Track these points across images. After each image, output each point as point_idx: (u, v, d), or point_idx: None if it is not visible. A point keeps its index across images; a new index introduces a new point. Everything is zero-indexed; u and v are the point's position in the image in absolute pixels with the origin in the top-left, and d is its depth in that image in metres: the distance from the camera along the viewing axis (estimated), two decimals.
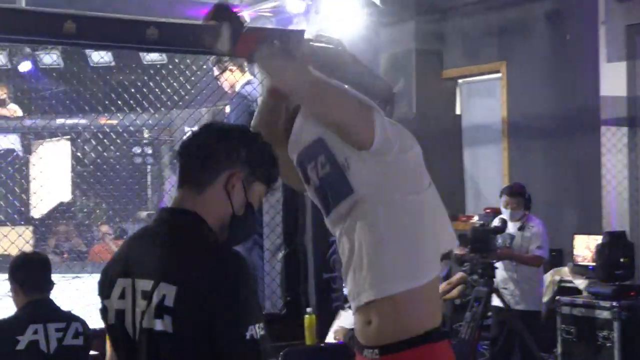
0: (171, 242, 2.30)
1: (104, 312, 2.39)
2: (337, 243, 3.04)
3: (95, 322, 6.53)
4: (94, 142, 12.42)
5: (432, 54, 11.18)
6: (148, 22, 5.53)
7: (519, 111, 10.31)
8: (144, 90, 10.91)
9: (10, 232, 11.12)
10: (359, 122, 2.84)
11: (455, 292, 8.50)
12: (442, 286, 8.65)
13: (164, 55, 10.74)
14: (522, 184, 7.85)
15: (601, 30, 9.19)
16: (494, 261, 7.14)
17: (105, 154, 12.26)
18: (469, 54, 10.92)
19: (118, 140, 11.93)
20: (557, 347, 7.57)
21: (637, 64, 9.02)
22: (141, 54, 11.10)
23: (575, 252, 8.73)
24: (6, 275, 4.38)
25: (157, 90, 10.90)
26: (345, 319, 5.79)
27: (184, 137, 2.48)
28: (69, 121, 12.41)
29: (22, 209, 13.07)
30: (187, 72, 9.78)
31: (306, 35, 6.57)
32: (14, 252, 11.58)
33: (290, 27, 9.50)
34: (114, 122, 11.65)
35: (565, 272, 8.70)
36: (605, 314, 7.10)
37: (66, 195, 13.59)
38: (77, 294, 6.90)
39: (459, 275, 8.50)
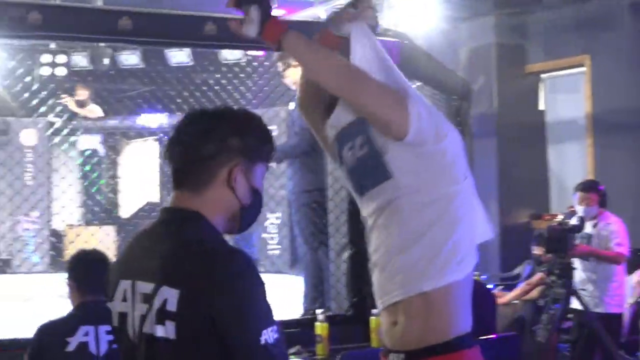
0: (172, 242, 2.16)
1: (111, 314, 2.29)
2: (367, 237, 2.89)
3: None
4: None
5: (514, 49, 10.93)
6: (206, 17, 5.46)
7: (604, 106, 10.01)
8: (223, 89, 10.95)
9: (92, 230, 11.33)
10: (392, 113, 2.69)
11: (535, 292, 8.30)
12: (522, 287, 8.48)
13: (239, 53, 10.74)
14: (596, 180, 7.57)
15: None
16: (572, 261, 6.88)
17: None
18: (552, 48, 10.65)
19: None
20: None
21: None
22: (219, 54, 11.14)
23: None
24: None
25: (239, 89, 10.94)
26: None
27: (168, 138, 2.31)
28: (154, 121, 12.51)
29: (107, 208, 13.25)
30: (260, 69, 9.84)
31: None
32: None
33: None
34: None
35: None
36: None
37: (154, 195, 13.71)
38: None
39: (538, 275, 8.30)
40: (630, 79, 9.60)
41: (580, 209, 7.09)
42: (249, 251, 11.78)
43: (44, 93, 11.28)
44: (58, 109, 11.67)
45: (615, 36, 9.81)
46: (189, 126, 2.25)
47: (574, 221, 6.94)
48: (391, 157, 2.72)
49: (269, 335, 2.04)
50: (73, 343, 4.05)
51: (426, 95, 8.38)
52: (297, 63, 6.48)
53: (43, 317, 4.26)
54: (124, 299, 2.21)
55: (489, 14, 10.79)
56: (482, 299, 4.92)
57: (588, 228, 7.08)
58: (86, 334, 4.07)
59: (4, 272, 11.08)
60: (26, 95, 11.14)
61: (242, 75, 11.05)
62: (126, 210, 13.78)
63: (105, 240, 11.47)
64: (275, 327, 2.07)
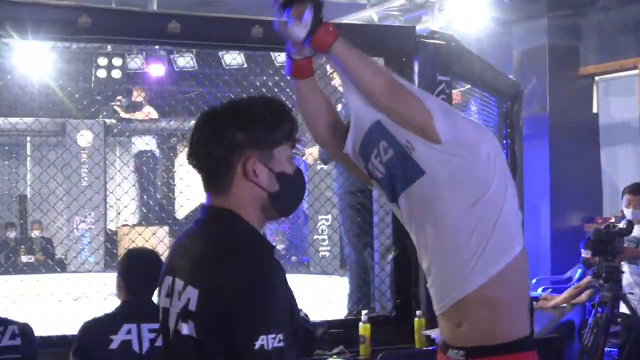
0: (201, 242, 2.19)
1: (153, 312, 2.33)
2: (414, 242, 2.92)
3: None
4: None
5: (567, 51, 10.85)
6: (253, 20, 5.52)
7: None
8: (275, 91, 10.99)
9: (145, 231, 11.46)
10: (426, 119, 2.72)
11: (584, 296, 8.22)
12: (570, 290, 8.40)
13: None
14: None
15: None
16: (620, 265, 6.80)
17: None
18: (606, 50, 10.55)
19: None
20: None
21: None
22: (272, 56, 11.22)
23: None
24: None
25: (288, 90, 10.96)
26: None
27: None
28: None
29: (162, 209, 13.39)
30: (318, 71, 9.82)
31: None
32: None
33: (419, 26, 9.41)
34: None
35: None
36: None
37: None
38: None
39: (587, 279, 8.21)
40: None
41: (628, 212, 7.00)
42: (301, 254, 11.98)
43: (99, 95, 11.45)
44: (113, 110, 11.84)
45: None
46: (198, 129, 2.26)
47: (622, 224, 6.86)
48: (419, 154, 2.75)
49: (267, 342, 1.98)
50: (116, 341, 4.05)
51: (476, 96, 8.37)
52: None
53: (94, 316, 4.33)
54: (167, 295, 2.25)
55: (542, 15, 10.73)
56: None
57: (636, 231, 6.99)
58: (129, 332, 4.07)
59: (59, 272, 11.26)
60: (82, 97, 11.31)
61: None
62: (181, 211, 13.94)
63: (157, 241, 11.62)
64: (281, 336, 2.00)
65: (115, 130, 12.25)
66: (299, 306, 5.46)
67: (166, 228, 12.70)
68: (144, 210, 13.02)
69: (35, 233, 12.75)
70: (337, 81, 6.75)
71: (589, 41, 10.76)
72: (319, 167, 9.22)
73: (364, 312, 5.66)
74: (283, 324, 2.03)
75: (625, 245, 6.85)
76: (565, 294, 8.33)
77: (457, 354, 2.80)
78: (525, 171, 9.55)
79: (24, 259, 12.15)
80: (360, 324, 5.51)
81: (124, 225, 12.66)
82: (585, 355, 6.68)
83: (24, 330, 4.17)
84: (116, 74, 11.73)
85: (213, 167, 2.22)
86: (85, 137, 12.13)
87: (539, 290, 9.26)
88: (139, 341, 4.03)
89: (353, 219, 6.49)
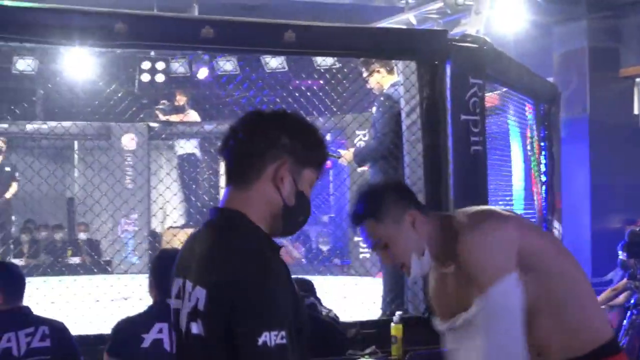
0: (210, 244, 2.24)
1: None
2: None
3: None
4: None
5: (607, 52, 10.81)
6: (286, 25, 5.61)
7: None
8: (316, 94, 11.08)
9: (179, 232, 11.58)
10: None
11: (621, 298, 8.21)
12: (607, 292, 8.38)
13: (333, 60, 10.88)
14: None
15: None
16: None
17: None
18: None
19: None
20: None
21: None
22: (314, 60, 11.31)
23: None
24: None
25: (331, 94, 11.04)
26: None
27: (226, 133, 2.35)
28: None
29: (205, 210, 13.48)
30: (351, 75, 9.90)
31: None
32: None
33: (457, 29, 9.44)
34: None
35: None
36: None
37: None
38: None
39: (623, 281, 8.19)
40: None
41: None
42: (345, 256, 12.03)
43: (144, 99, 11.61)
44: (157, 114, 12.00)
45: None
46: (243, 124, 2.31)
47: None
48: None
49: (270, 338, 2.02)
50: (148, 339, 4.11)
51: (513, 99, 8.39)
52: (381, 69, 6.65)
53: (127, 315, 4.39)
54: (178, 296, 2.31)
55: (582, 17, 10.70)
56: None
57: None
58: (160, 331, 4.12)
59: (106, 272, 11.41)
60: (127, 100, 11.47)
61: (333, 80, 11.16)
62: None
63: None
64: (283, 333, 2.05)
65: (160, 134, 12.40)
66: (330, 306, 5.56)
67: None
68: (188, 212, 13.14)
69: (81, 235, 12.94)
70: (373, 85, 6.84)
71: (630, 42, 10.71)
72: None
73: (397, 312, 5.71)
74: (285, 322, 2.09)
75: None
76: (602, 296, 8.31)
77: None
78: (565, 173, 9.54)
79: (71, 260, 12.34)
80: (392, 324, 5.55)
81: (170, 228, 12.80)
82: None
83: (56, 330, 4.24)
84: (160, 78, 11.90)
85: (245, 161, 2.26)
86: (129, 140, 12.29)
87: None
88: (170, 340, 4.07)
89: None
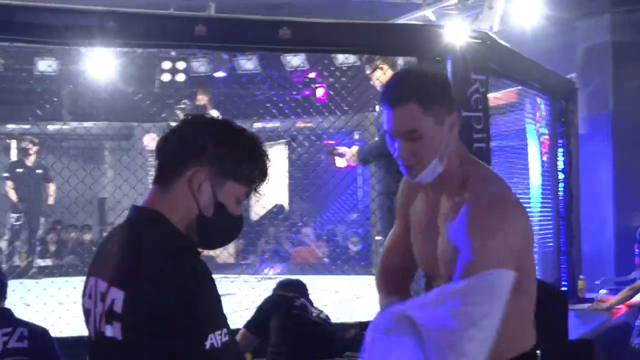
0: (127, 243, 2.18)
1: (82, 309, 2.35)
2: None
3: None
4: (306, 145, 12.64)
5: (631, 47, 10.56)
6: (281, 22, 5.55)
7: None
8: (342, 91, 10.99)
9: None
10: None
11: (638, 297, 8.02)
12: (625, 291, 8.20)
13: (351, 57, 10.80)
14: None
15: None
16: None
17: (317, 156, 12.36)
18: None
19: (318, 142, 12.06)
20: None
21: None
22: (333, 57, 11.24)
23: None
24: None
25: (354, 92, 10.94)
26: None
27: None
28: (269, 125, 12.67)
29: None
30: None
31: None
32: (224, 256, 12.10)
33: (475, 24, 9.31)
34: (310, 124, 11.79)
35: None
36: None
37: (283, 199, 13.93)
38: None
39: None
40: None
41: None
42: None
43: (166, 99, 11.60)
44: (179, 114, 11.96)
45: None
46: (179, 126, 2.28)
47: None
48: None
49: (215, 339, 2.02)
50: None
51: (530, 96, 8.24)
52: (384, 66, 6.54)
53: None
54: (89, 296, 2.25)
55: (605, 11, 10.49)
56: (550, 303, 4.81)
57: None
58: None
59: None
60: (149, 100, 11.48)
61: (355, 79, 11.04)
62: (255, 213, 14.03)
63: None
64: (225, 330, 2.05)
65: None
66: (320, 307, 5.48)
67: None
68: None
69: None
70: (376, 82, 6.73)
71: None
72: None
73: None
74: (224, 319, 2.08)
75: None
76: (619, 295, 8.13)
77: None
78: (586, 170, 9.38)
79: None
80: None
81: None
82: (633, 358, 6.53)
83: (35, 333, 4.20)
84: (180, 77, 11.89)
85: (168, 161, 2.23)
86: (152, 140, 12.28)
87: (602, 291, 9.05)
88: None
89: (388, 221, 6.45)
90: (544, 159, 8.46)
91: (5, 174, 11.43)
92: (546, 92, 8.12)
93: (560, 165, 8.64)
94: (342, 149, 7.03)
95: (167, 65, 11.87)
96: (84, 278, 2.33)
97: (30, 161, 11.54)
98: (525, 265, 2.57)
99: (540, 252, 8.39)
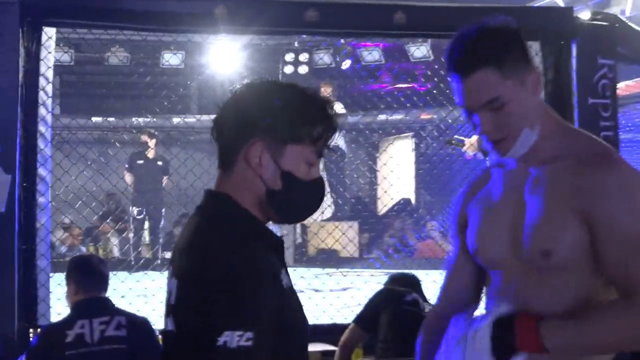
0: (192, 230, 2.01)
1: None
2: None
3: None
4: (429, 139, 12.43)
5: None
6: (395, 6, 5.37)
7: None
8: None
9: (335, 229, 11.45)
10: None
11: None
12: None
13: None
14: None
15: None
16: None
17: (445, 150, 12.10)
18: None
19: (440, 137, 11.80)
20: None
21: None
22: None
23: None
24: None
25: None
26: None
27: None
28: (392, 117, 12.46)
29: (357, 204, 13.38)
30: None
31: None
32: (337, 248, 12.01)
33: (608, 9, 8.91)
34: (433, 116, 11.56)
35: None
36: None
37: (409, 192, 13.75)
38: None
39: None
40: None
41: None
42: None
43: None
44: None
45: None
46: (228, 102, 2.05)
47: None
48: None
49: (232, 339, 1.81)
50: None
51: None
52: None
53: None
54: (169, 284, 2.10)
55: None
56: None
57: None
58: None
59: None
60: None
61: None
62: (382, 206, 13.89)
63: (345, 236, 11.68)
64: (250, 334, 1.82)
65: None
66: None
67: (356, 225, 12.70)
68: (338, 204, 13.04)
69: None
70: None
71: None
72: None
73: None
74: (256, 322, 1.85)
75: None
76: None
77: None
78: None
79: None
80: None
81: (320, 220, 12.74)
82: None
83: (134, 322, 4.17)
84: (303, 69, 11.79)
85: (222, 142, 2.04)
86: None
87: None
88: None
89: None
90: None
91: (126, 166, 11.55)
92: None
93: None
94: (462, 139, 6.79)
95: (290, 57, 11.79)
96: None
97: (150, 154, 11.62)
98: None
99: None
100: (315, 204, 2.09)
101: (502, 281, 2.30)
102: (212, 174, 2.17)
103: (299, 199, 2.05)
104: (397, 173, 11.79)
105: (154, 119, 12.41)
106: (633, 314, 2.07)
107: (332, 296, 7.61)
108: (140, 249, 11.52)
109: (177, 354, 1.93)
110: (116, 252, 11.93)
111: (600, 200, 2.09)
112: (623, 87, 6.39)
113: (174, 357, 1.96)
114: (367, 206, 13.90)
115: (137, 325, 4.18)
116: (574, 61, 5.67)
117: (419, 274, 8.93)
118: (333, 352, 4.99)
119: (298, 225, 12.74)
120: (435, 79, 11.01)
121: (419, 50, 11.38)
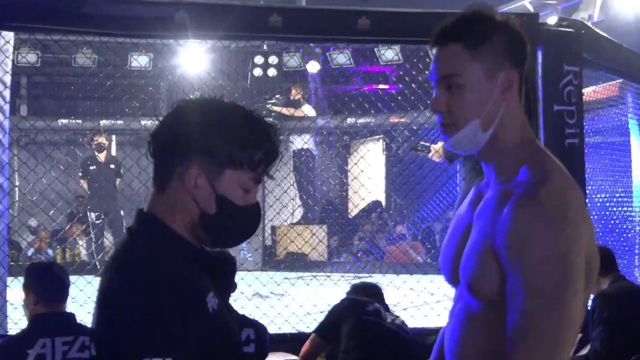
0: (117, 252, 1.96)
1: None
2: None
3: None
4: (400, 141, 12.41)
5: None
6: (359, 11, 5.30)
7: None
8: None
9: (304, 231, 11.39)
10: None
11: None
12: None
13: None
14: None
15: None
16: None
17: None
18: None
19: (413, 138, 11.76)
20: None
21: None
22: (429, 49, 10.92)
23: None
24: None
25: None
26: None
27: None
28: (361, 120, 12.42)
29: (325, 207, 13.33)
30: None
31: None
32: (307, 250, 11.96)
33: (575, 15, 8.91)
34: (404, 120, 11.52)
35: None
36: None
37: (380, 194, 13.72)
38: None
39: None
40: None
41: None
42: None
43: (257, 94, 11.48)
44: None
45: None
46: (170, 117, 1.99)
47: None
48: None
49: None
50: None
51: (632, 89, 7.80)
52: None
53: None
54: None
55: None
56: None
57: None
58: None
59: None
60: (241, 96, 11.36)
61: None
62: (353, 207, 13.86)
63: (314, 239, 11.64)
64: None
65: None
66: (396, 313, 5.21)
67: (325, 227, 12.66)
68: (307, 207, 12.99)
69: None
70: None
71: None
72: None
73: None
74: (175, 348, 1.79)
75: None
76: None
77: None
78: None
79: None
80: None
81: (281, 225, 12.69)
82: None
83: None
84: (272, 72, 11.71)
85: (159, 160, 1.96)
86: None
87: None
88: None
89: None
90: None
91: (79, 174, 11.41)
92: None
93: None
94: (427, 145, 6.75)
95: (259, 59, 11.69)
96: None
97: (102, 157, 11.49)
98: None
99: None
100: (249, 230, 2.04)
101: (454, 302, 2.22)
102: None
103: (232, 224, 1.99)
104: (367, 174, 11.79)
105: (120, 121, 12.31)
106: None
107: (294, 304, 7.56)
108: (107, 251, 11.39)
109: None
110: (84, 255, 11.80)
111: (501, 246, 1.94)
112: (590, 92, 6.36)
113: None
114: (337, 208, 13.87)
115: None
116: (539, 67, 5.65)
117: (388, 277, 8.93)
118: None
119: (267, 228, 12.68)
120: (407, 79, 11.04)
121: (389, 52, 11.33)
